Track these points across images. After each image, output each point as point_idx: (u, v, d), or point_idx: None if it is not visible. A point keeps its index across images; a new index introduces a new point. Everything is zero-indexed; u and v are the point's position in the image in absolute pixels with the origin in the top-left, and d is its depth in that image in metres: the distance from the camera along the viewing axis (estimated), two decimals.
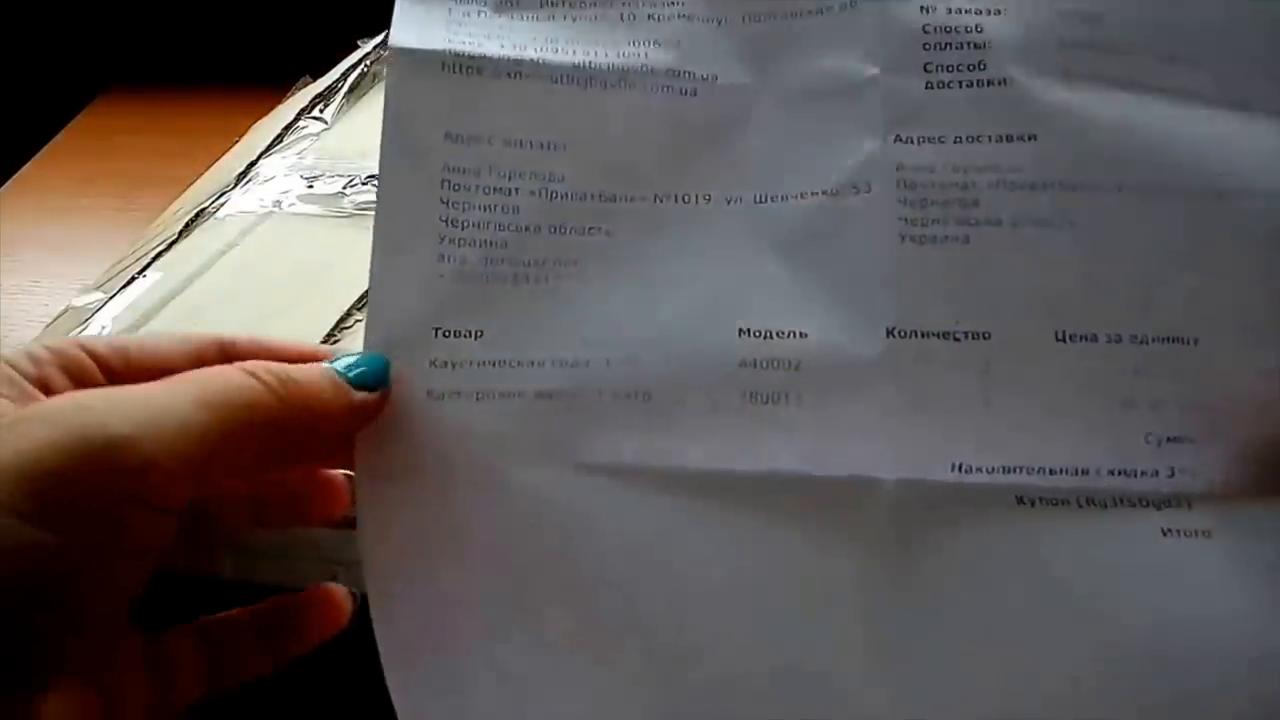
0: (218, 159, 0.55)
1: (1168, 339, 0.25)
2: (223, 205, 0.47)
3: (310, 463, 0.26)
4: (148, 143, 0.68)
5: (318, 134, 0.52)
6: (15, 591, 0.18)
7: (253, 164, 0.51)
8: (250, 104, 0.62)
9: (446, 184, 0.27)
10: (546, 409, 0.26)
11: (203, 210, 0.48)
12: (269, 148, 0.52)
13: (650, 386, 0.26)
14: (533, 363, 0.26)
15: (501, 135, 0.27)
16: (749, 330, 0.26)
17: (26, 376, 0.22)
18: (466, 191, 0.27)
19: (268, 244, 0.44)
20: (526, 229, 0.27)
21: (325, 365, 0.25)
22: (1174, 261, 0.26)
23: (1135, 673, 0.24)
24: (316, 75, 0.61)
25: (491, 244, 0.27)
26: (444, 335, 0.26)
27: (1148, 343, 0.25)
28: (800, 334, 0.26)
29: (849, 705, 0.24)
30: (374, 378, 0.25)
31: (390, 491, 0.26)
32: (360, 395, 0.25)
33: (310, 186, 0.47)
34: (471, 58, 0.28)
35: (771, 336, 0.26)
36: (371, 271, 0.26)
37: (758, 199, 0.27)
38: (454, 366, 0.26)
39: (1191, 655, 0.23)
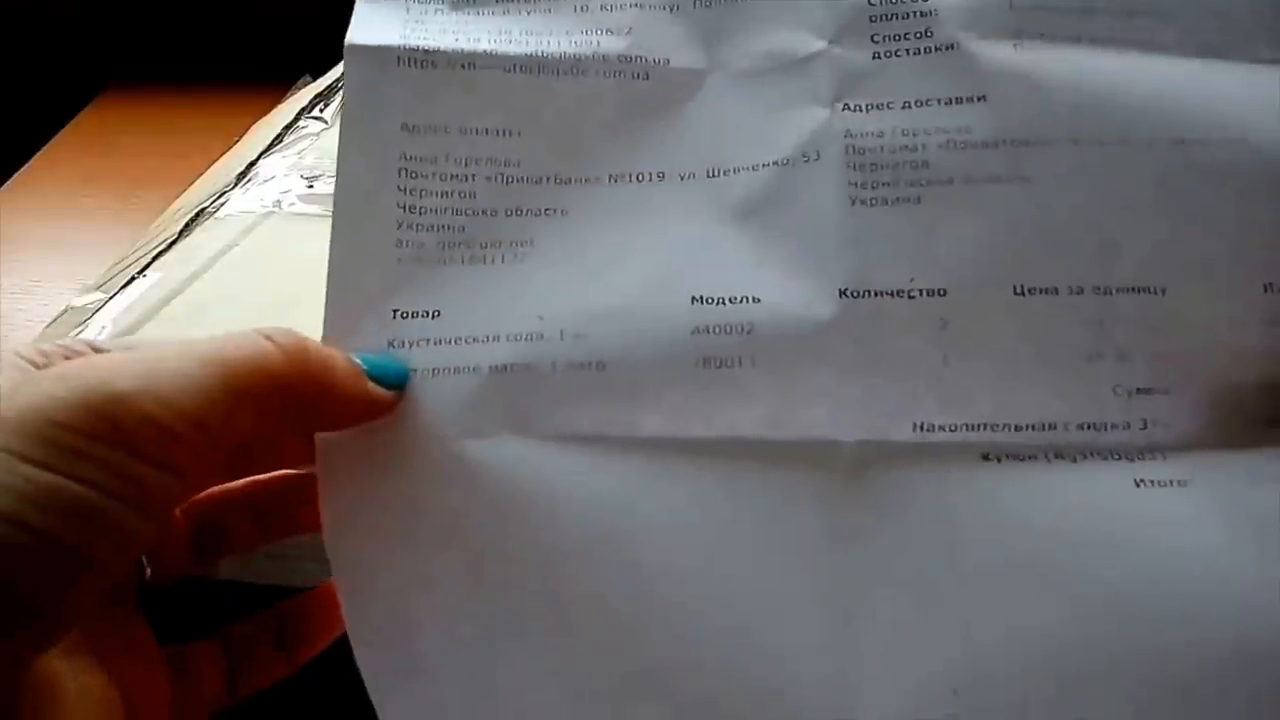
0: (218, 159, 0.55)
1: (1133, 289, 0.25)
2: (223, 205, 0.47)
3: (319, 431, 0.26)
4: (148, 142, 0.68)
5: (318, 134, 0.52)
6: (21, 533, 0.18)
7: (253, 164, 0.51)
8: (250, 104, 0.62)
9: (404, 173, 0.27)
10: (501, 383, 0.26)
11: (203, 210, 0.48)
12: (269, 147, 0.52)
13: (604, 357, 0.26)
14: (488, 338, 0.26)
15: (457, 124, 0.28)
16: (701, 297, 0.26)
17: (36, 366, 0.22)
18: (424, 179, 0.27)
19: (268, 243, 0.44)
20: (483, 212, 0.27)
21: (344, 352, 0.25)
22: (1136, 211, 0.25)
23: (1109, 627, 0.23)
24: (316, 75, 0.61)
25: (448, 228, 0.27)
26: (401, 316, 0.26)
27: (1111, 294, 0.25)
28: (753, 299, 0.26)
29: (811, 669, 0.24)
30: (389, 376, 0.25)
31: (350, 475, 0.26)
32: (372, 386, 0.25)
33: (310, 186, 0.47)
34: (426, 52, 0.28)
35: (724, 302, 0.26)
36: (330, 259, 0.27)
37: (710, 173, 0.28)
38: (411, 346, 0.26)
39: (1167, 608, 0.23)
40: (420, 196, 0.27)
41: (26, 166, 0.68)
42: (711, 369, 0.26)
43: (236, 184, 0.49)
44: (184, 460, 0.20)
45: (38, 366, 0.22)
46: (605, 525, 0.25)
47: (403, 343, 0.26)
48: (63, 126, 0.72)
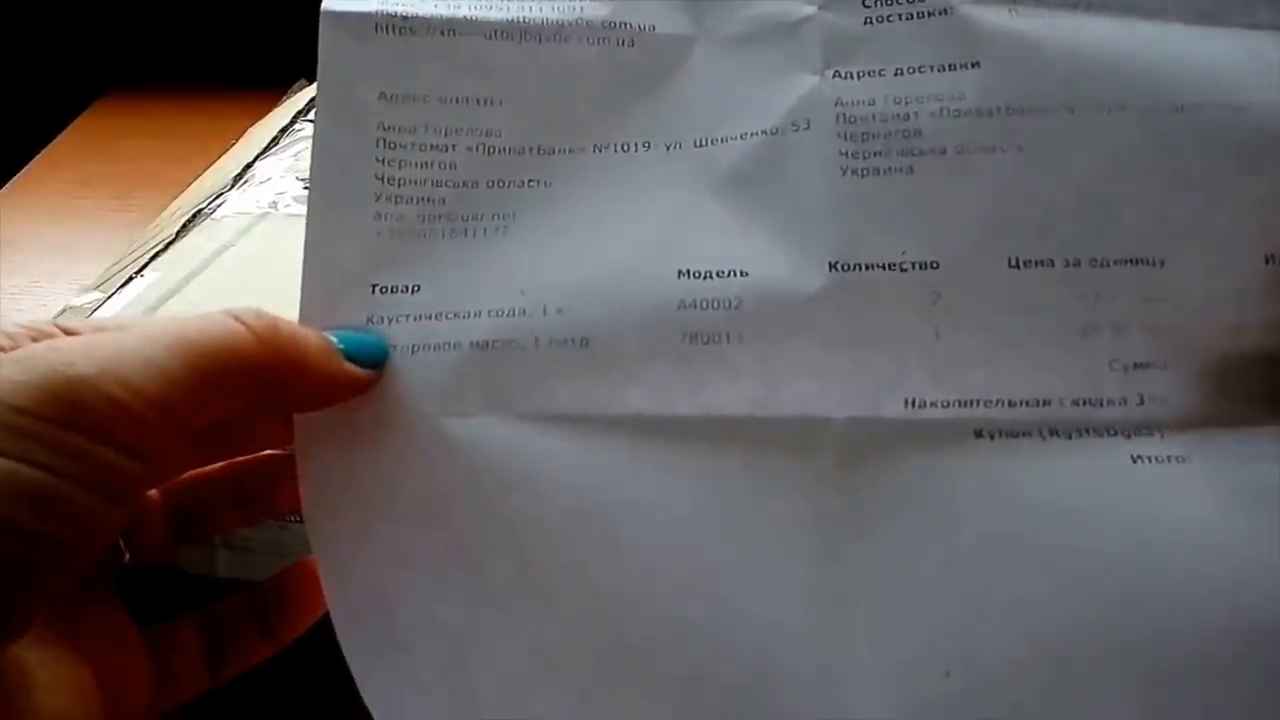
0: (215, 161, 0.56)
1: (1130, 260, 0.24)
2: (219, 206, 0.48)
3: (293, 413, 0.25)
4: (146, 145, 0.69)
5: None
6: None
7: (249, 165, 0.52)
8: (247, 107, 0.62)
9: (382, 143, 0.26)
10: (482, 359, 0.25)
11: (200, 211, 0.49)
12: (265, 150, 0.53)
13: (588, 333, 0.25)
14: (469, 314, 0.26)
15: (437, 93, 0.27)
16: (688, 271, 0.25)
17: (1, 350, 0.22)
18: (403, 150, 0.26)
19: (264, 244, 0.44)
20: (464, 184, 0.27)
21: (319, 331, 0.25)
22: (1133, 179, 0.25)
23: (1104, 605, 0.23)
24: (312, 79, 0.61)
25: (429, 200, 0.26)
26: (380, 291, 0.26)
27: (1108, 265, 0.24)
28: (740, 273, 0.25)
29: (799, 651, 0.24)
30: (365, 354, 0.25)
31: (329, 454, 0.25)
32: (349, 366, 0.24)
33: (306, 188, 0.47)
34: (404, 18, 0.27)
35: (711, 277, 0.25)
36: (308, 232, 0.26)
37: (697, 143, 0.27)
38: (390, 322, 0.26)
39: (1163, 585, 0.23)
40: (399, 168, 0.26)
41: (27, 168, 0.68)
42: (698, 345, 0.25)
43: (233, 186, 0.50)
44: (148, 444, 0.20)
45: (3, 349, 0.21)
46: (587, 504, 0.25)
47: (382, 319, 0.26)
48: (63, 129, 0.73)
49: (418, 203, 0.26)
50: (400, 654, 0.25)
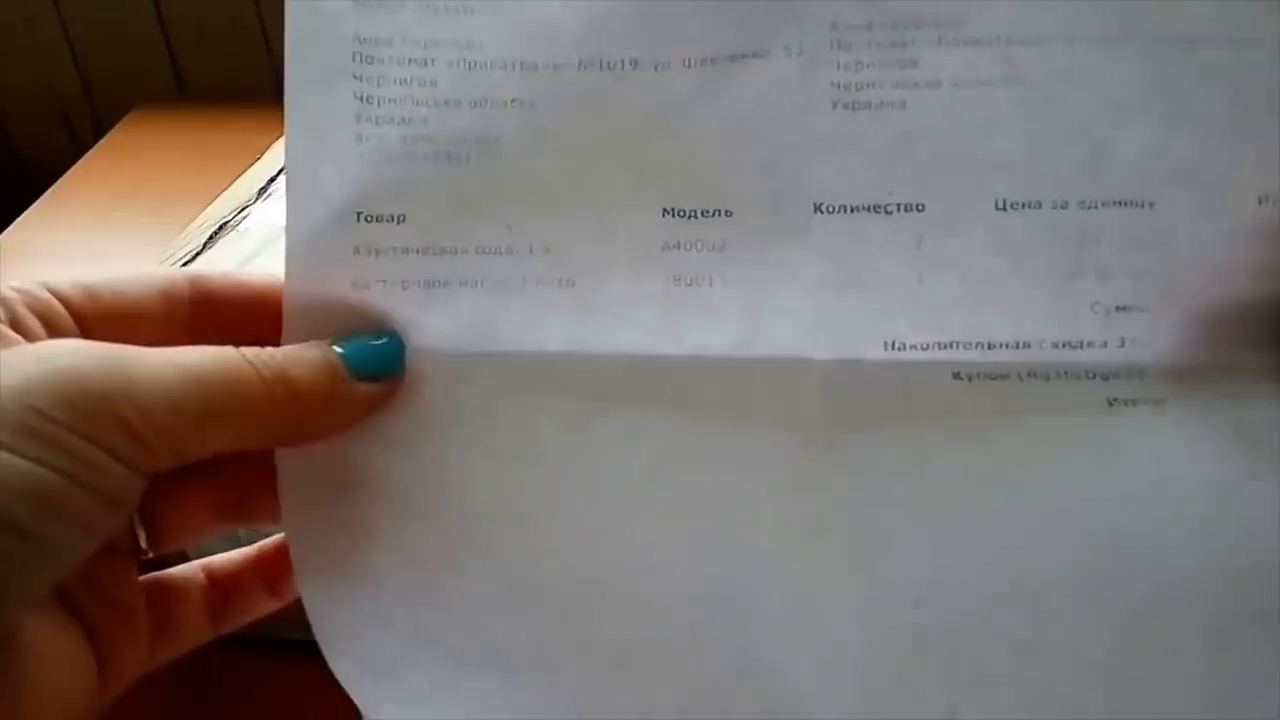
0: (241, 175, 0.57)
1: (1119, 203, 0.24)
2: (244, 219, 0.49)
3: (299, 445, 0.25)
4: (178, 159, 0.70)
5: None
6: None
7: (273, 179, 0.53)
8: (274, 121, 0.63)
9: (359, 57, 0.25)
10: (471, 298, 0.25)
11: (226, 223, 0.50)
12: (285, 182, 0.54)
13: (574, 273, 0.25)
14: (456, 250, 0.25)
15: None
16: (672, 210, 0.25)
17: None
18: (381, 64, 0.25)
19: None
20: (446, 103, 0.25)
21: (332, 352, 0.24)
22: (1126, 114, 0.24)
23: (1076, 541, 0.23)
24: None
25: (410, 120, 0.25)
26: (366, 220, 0.25)
27: (1096, 207, 0.24)
28: (725, 212, 0.25)
29: (770, 574, 0.24)
30: (383, 366, 0.25)
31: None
32: (363, 389, 0.24)
33: None
34: None
35: (695, 216, 0.25)
36: (288, 156, 0.25)
37: (686, 63, 0.25)
38: (377, 254, 0.25)
39: (1135, 523, 0.23)
40: (378, 85, 0.25)
41: (59, 183, 0.70)
42: (682, 287, 0.25)
43: (258, 198, 0.51)
44: (150, 466, 0.21)
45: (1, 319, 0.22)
46: (572, 440, 0.25)
47: (370, 250, 0.25)
48: (95, 143, 0.74)
49: (399, 123, 0.25)
50: (361, 586, 0.25)
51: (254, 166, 0.57)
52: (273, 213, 0.49)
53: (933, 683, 0.23)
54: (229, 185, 0.56)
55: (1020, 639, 0.23)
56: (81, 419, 0.19)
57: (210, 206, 0.55)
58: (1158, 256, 0.24)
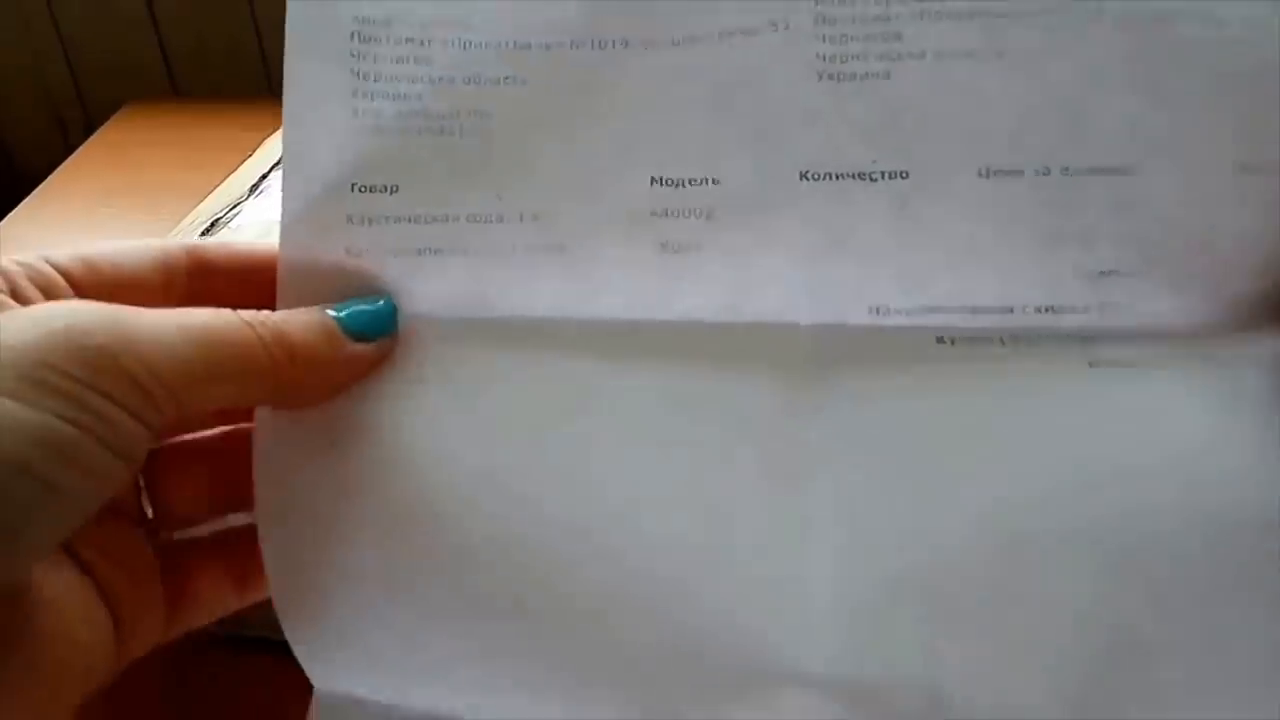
0: (233, 171, 0.57)
1: (1101, 169, 0.24)
2: (236, 215, 0.49)
3: (297, 406, 0.26)
4: (170, 155, 0.70)
5: None
6: (6, 465, 0.19)
7: (265, 175, 0.53)
8: (266, 118, 0.63)
9: (356, 36, 0.26)
10: (461, 265, 0.26)
11: (217, 220, 0.49)
12: (281, 160, 0.54)
13: (563, 241, 0.26)
14: (447, 218, 0.26)
15: None
16: (661, 179, 0.26)
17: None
18: (378, 44, 0.26)
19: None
20: (440, 80, 0.26)
21: (326, 315, 0.25)
22: (1106, 85, 0.24)
23: (1059, 492, 0.24)
24: None
25: (405, 96, 0.26)
26: (360, 190, 0.26)
27: (1079, 174, 0.24)
28: (712, 180, 0.26)
29: (751, 521, 0.24)
30: (376, 326, 0.25)
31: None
32: (357, 348, 0.25)
33: None
34: None
35: (683, 185, 0.26)
36: (285, 131, 0.26)
37: (674, 41, 0.26)
38: (370, 223, 0.26)
39: (1119, 478, 0.23)
40: (374, 62, 0.26)
41: (50, 179, 0.69)
42: (670, 254, 0.26)
43: (250, 195, 0.51)
44: (156, 419, 0.21)
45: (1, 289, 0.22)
46: (559, 401, 0.25)
47: (363, 219, 0.26)
48: (85, 139, 0.74)
49: (395, 99, 0.26)
50: (327, 549, 0.25)
51: (246, 163, 0.57)
52: (265, 209, 0.49)
53: (912, 632, 0.23)
54: (221, 181, 0.56)
55: (1002, 589, 0.23)
56: (90, 372, 0.20)
57: (202, 203, 0.54)
58: (1139, 223, 0.24)
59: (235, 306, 0.23)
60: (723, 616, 0.24)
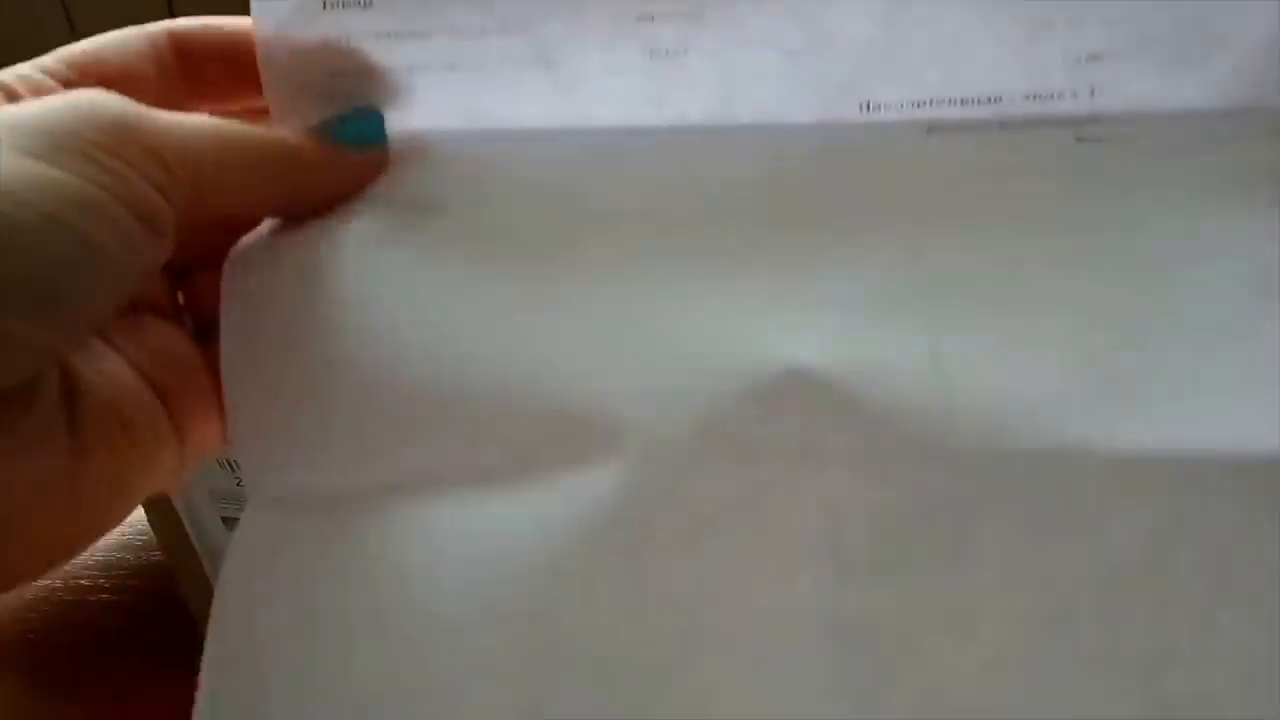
0: None
1: None
2: None
3: (304, 211, 0.25)
4: None
5: None
6: (28, 213, 0.19)
7: None
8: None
9: None
10: (446, 82, 0.25)
11: None
12: None
13: (550, 53, 0.25)
14: (428, 34, 0.25)
15: None
16: None
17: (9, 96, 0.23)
18: None
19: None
20: None
21: (317, 125, 0.25)
22: None
23: (1049, 252, 0.23)
24: None
25: None
26: (329, 6, 0.25)
27: None
28: None
29: (747, 315, 0.23)
30: (367, 135, 0.25)
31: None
32: (354, 155, 0.25)
33: None
34: None
35: None
36: None
37: None
38: (346, 41, 0.25)
39: (1112, 222, 0.24)
40: None
41: None
42: (659, 59, 0.25)
43: None
44: (177, 198, 0.21)
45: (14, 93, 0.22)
46: (554, 209, 0.25)
47: (341, 38, 0.25)
48: None
49: None
50: (298, 447, 0.24)
51: None
52: None
53: (915, 322, 0.23)
54: None
55: (997, 300, 0.23)
56: (111, 139, 0.20)
57: None
58: (1128, 3, 0.24)
59: (223, 91, 0.25)
60: (721, 323, 0.23)
